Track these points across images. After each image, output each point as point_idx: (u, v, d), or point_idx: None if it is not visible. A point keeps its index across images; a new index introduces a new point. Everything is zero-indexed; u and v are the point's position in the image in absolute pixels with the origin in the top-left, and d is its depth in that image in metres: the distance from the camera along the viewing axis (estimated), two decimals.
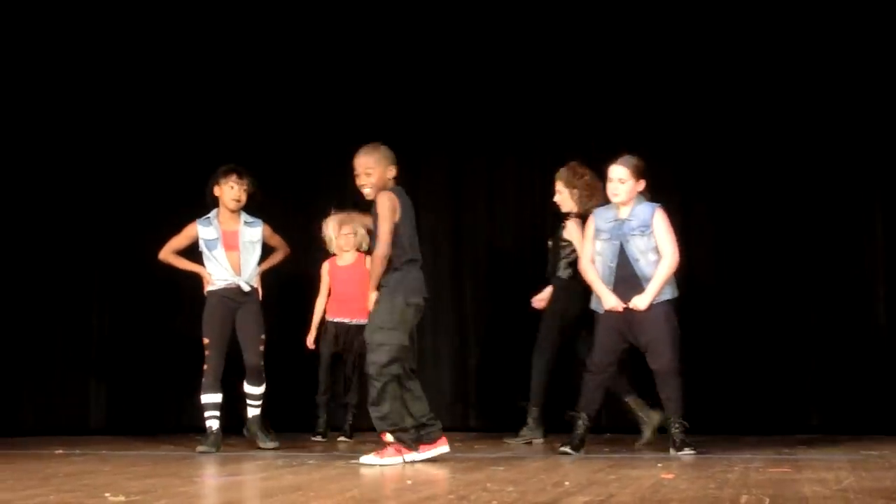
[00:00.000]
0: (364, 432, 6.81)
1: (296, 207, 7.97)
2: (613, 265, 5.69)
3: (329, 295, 7.05)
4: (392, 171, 5.20)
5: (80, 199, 7.80)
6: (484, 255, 7.88)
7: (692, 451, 5.50)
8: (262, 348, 6.23)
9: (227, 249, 6.19)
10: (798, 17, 7.27)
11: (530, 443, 6.42)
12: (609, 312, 5.66)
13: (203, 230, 6.22)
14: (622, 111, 7.53)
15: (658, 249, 5.62)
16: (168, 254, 6.33)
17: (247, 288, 6.21)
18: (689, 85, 7.47)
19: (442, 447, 5.15)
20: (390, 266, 5.09)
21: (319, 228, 7.01)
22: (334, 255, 7.04)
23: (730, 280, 7.28)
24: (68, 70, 7.76)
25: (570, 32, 7.73)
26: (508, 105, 7.83)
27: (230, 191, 6.18)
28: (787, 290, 7.21)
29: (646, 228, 5.63)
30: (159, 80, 8.07)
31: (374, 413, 5.05)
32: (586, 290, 5.86)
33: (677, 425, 5.60)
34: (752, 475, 4.42)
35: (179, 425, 7.65)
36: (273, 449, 6.09)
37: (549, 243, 6.60)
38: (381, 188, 5.15)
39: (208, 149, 7.67)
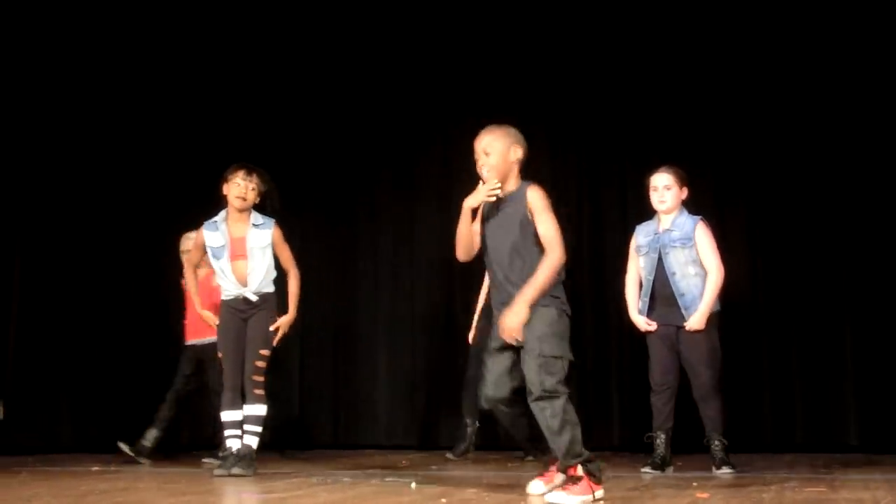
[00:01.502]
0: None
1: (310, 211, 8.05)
2: (651, 278, 5.69)
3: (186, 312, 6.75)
4: (518, 152, 4.46)
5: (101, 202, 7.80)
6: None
7: (731, 470, 5.47)
8: (257, 364, 5.72)
9: (234, 259, 5.75)
10: (834, 26, 7.20)
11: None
12: (655, 330, 5.66)
13: (209, 236, 5.80)
14: (652, 122, 7.48)
15: (698, 262, 5.61)
16: (190, 277, 6.05)
17: (254, 298, 5.74)
18: (719, 94, 7.41)
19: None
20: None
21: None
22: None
23: (766, 295, 7.20)
24: (77, 73, 7.75)
25: (593, 44, 7.72)
26: (514, 110, 7.83)
27: (235, 188, 5.74)
28: (825, 305, 7.12)
29: (687, 241, 5.64)
30: (166, 84, 8.11)
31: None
32: None
33: (717, 443, 5.57)
34: (788, 494, 4.39)
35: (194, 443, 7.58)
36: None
37: None
38: (506, 173, 4.45)
39: (215, 156, 7.56)
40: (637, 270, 5.81)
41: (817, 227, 7.19)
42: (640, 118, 7.55)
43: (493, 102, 7.56)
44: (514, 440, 5.04)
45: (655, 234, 5.73)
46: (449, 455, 6.61)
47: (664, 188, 5.70)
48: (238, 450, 5.61)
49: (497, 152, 4.41)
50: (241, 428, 5.66)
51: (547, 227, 4.32)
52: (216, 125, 8.14)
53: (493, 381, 4.41)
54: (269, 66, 8.26)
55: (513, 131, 4.49)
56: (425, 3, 7.97)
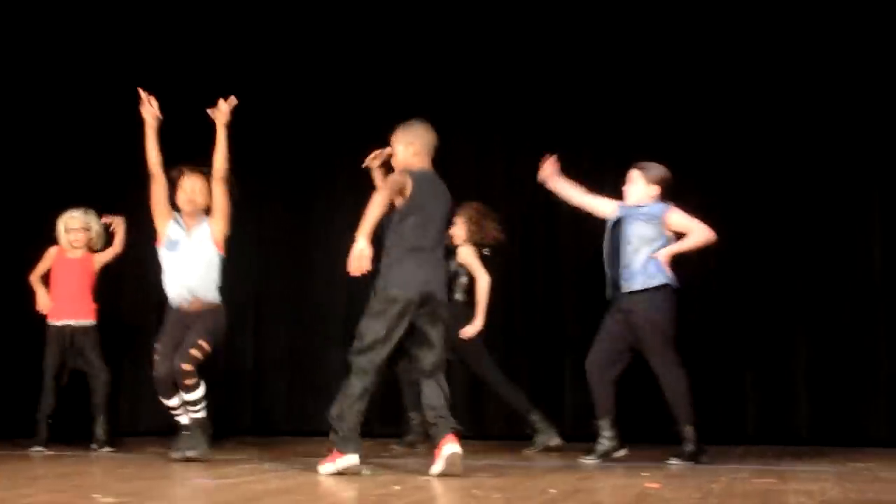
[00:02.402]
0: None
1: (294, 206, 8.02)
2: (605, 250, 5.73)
3: (50, 292, 6.62)
4: (413, 150, 5.02)
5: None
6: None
7: (679, 461, 5.51)
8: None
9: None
10: (814, 23, 7.28)
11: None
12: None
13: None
14: (628, 116, 7.50)
15: (656, 244, 5.61)
16: None
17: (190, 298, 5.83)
18: (698, 91, 7.45)
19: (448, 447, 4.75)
20: (383, 253, 4.90)
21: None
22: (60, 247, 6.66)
23: (719, 284, 7.26)
24: (72, 71, 7.71)
25: (582, 45, 7.73)
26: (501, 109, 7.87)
27: (181, 193, 5.78)
28: (778, 297, 7.21)
29: (653, 218, 5.65)
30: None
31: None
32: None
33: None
34: (738, 486, 4.44)
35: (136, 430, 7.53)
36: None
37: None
38: (402, 166, 5.00)
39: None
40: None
41: (772, 220, 7.27)
42: (606, 119, 7.59)
43: (449, 92, 7.62)
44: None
45: (621, 208, 5.76)
46: (395, 446, 6.61)
47: (630, 182, 5.77)
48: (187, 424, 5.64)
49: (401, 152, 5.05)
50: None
51: None
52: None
53: None
54: (230, 50, 8.19)
55: (415, 130, 5.05)
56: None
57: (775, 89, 7.32)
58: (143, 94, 5.74)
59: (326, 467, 4.79)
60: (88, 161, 7.68)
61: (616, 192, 6.04)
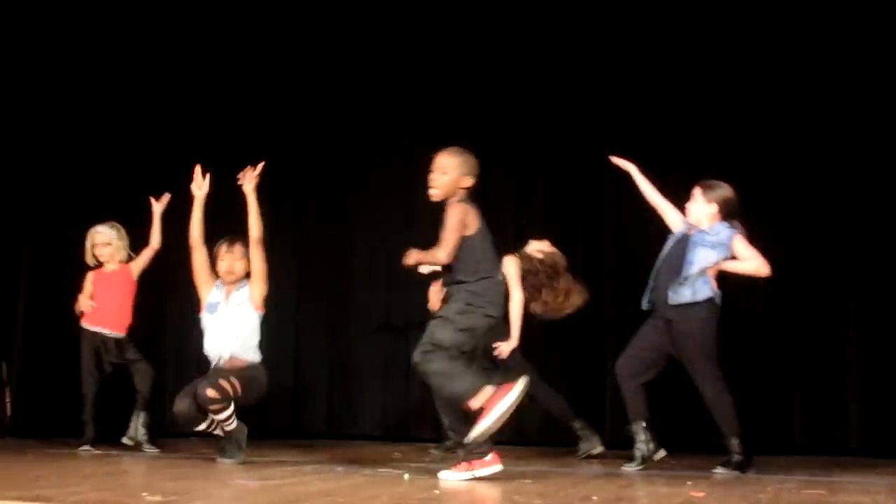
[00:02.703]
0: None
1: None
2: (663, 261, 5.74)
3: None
4: (467, 182, 4.98)
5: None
6: None
7: (725, 470, 5.47)
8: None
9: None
10: (827, 29, 7.24)
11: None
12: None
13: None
14: (682, 131, 7.49)
15: (710, 275, 5.62)
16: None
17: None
18: (721, 97, 7.43)
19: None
20: (459, 281, 4.93)
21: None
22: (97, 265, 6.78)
23: (766, 295, 7.17)
24: (71, 75, 7.78)
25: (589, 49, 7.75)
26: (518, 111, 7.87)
27: (221, 263, 5.87)
28: (827, 307, 7.14)
29: (718, 245, 5.64)
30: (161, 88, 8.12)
31: None
32: None
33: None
34: (785, 496, 4.38)
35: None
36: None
37: None
38: (450, 195, 4.97)
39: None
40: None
41: (821, 227, 7.20)
42: (641, 125, 7.56)
43: (490, 103, 7.64)
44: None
45: (687, 224, 5.77)
46: (433, 450, 6.61)
47: (692, 198, 5.78)
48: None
49: (450, 175, 4.95)
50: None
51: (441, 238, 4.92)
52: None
53: None
54: (261, 64, 8.28)
55: (472, 163, 4.98)
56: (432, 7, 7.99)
57: (830, 108, 7.25)
58: (197, 169, 5.84)
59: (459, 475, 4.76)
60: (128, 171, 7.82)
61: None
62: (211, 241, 5.88)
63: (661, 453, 5.70)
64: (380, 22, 8.08)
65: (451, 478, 4.73)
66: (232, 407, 5.59)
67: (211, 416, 5.58)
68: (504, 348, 6.39)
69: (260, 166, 5.76)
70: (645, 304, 5.79)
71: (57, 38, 7.69)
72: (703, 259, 5.62)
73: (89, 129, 7.87)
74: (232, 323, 5.76)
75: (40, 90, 7.66)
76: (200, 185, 5.84)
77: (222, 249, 5.82)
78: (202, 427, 5.67)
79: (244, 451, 5.66)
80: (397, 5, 8.03)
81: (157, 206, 6.71)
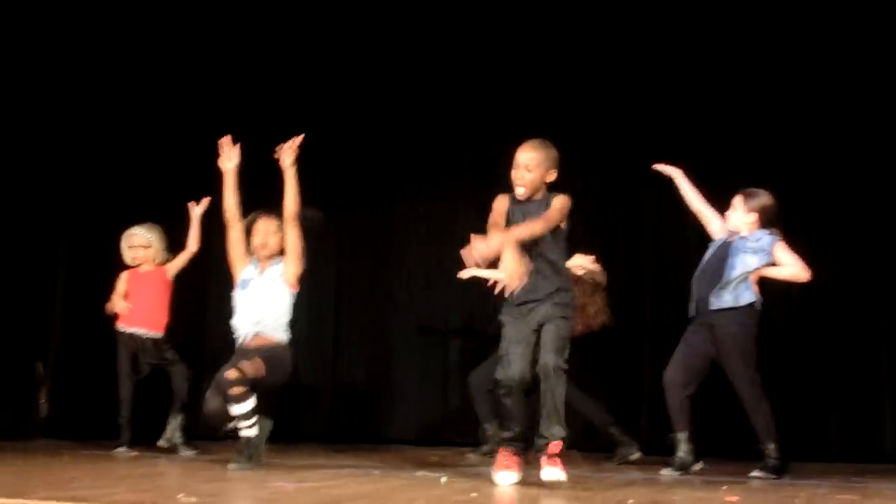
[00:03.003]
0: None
1: None
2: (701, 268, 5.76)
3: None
4: (553, 175, 4.88)
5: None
6: None
7: (761, 475, 5.46)
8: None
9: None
10: (837, 28, 7.25)
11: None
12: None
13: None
14: (725, 137, 7.49)
15: (751, 279, 5.64)
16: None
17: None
18: (752, 102, 7.44)
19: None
20: (560, 289, 4.82)
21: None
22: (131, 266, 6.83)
23: (800, 302, 7.16)
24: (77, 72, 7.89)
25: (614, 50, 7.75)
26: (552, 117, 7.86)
27: (254, 238, 5.73)
28: (860, 313, 7.12)
29: (760, 251, 5.67)
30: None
31: None
32: None
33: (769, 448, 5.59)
34: (819, 501, 4.38)
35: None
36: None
37: None
38: (537, 191, 4.86)
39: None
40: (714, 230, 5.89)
41: (855, 232, 7.18)
42: (681, 131, 7.56)
43: (527, 105, 7.65)
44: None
45: (728, 231, 5.81)
46: (470, 455, 6.63)
47: (731, 206, 5.81)
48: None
49: (538, 171, 4.82)
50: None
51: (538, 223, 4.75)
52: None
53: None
54: (299, 69, 8.33)
55: (555, 155, 4.86)
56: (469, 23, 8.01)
57: (868, 119, 7.25)
58: (225, 141, 5.68)
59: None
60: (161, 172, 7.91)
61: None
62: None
63: (699, 465, 5.71)
64: (419, 28, 8.11)
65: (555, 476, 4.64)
66: (251, 402, 5.38)
67: (230, 406, 5.33)
68: None
69: (299, 139, 5.60)
70: (692, 311, 5.81)
71: (96, 42, 7.84)
72: (744, 264, 5.65)
73: (129, 130, 7.99)
74: (264, 298, 5.60)
75: (80, 91, 7.80)
76: (230, 157, 5.68)
77: (257, 223, 5.70)
78: (228, 428, 5.50)
79: (261, 457, 5.47)
80: (452, 14, 8.06)
81: (197, 210, 6.74)
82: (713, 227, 5.94)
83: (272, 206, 5.70)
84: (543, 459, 4.69)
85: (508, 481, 4.71)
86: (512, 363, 4.78)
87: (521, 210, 4.85)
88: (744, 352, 5.61)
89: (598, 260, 6.74)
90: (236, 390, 5.34)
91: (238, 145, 5.70)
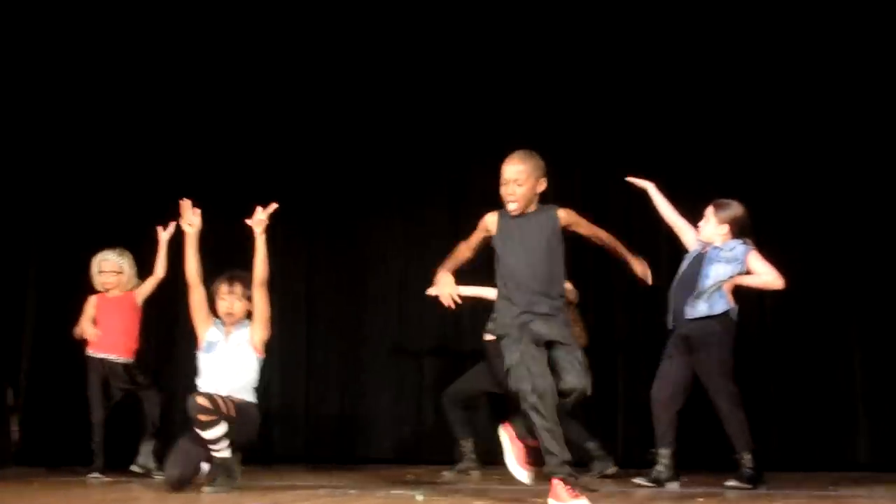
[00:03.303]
0: None
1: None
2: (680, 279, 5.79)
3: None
4: (543, 185, 4.74)
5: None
6: None
7: (736, 484, 5.47)
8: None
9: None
10: (828, 29, 7.25)
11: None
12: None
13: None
14: (702, 144, 7.48)
15: (725, 290, 5.67)
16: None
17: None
18: (720, 104, 7.43)
19: None
20: (555, 288, 4.70)
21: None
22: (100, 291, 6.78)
23: (773, 312, 7.17)
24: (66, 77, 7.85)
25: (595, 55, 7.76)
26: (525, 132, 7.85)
27: (222, 303, 5.60)
28: (832, 323, 7.13)
29: (733, 260, 5.70)
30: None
31: None
32: None
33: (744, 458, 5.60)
34: None
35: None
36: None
37: None
38: (529, 203, 4.71)
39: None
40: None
41: (827, 242, 7.20)
42: (652, 142, 7.55)
43: (500, 122, 7.65)
44: None
45: (701, 243, 5.85)
46: (446, 473, 6.60)
47: (704, 218, 5.84)
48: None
49: (527, 184, 4.67)
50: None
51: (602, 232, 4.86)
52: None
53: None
54: (271, 86, 8.28)
55: (542, 164, 4.72)
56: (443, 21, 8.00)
57: (837, 128, 7.26)
58: (185, 205, 5.56)
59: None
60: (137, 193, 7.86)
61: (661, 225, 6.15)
62: (213, 276, 5.63)
63: (676, 484, 5.69)
64: (390, 37, 8.07)
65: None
66: (224, 428, 5.25)
67: (203, 432, 5.22)
68: None
69: (271, 208, 5.51)
70: (670, 323, 5.84)
71: (66, 59, 7.77)
72: (718, 273, 5.68)
73: (98, 153, 7.93)
74: (231, 363, 5.48)
75: (50, 112, 7.75)
76: (192, 222, 5.56)
77: (222, 289, 5.55)
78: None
79: (236, 480, 5.35)
80: (407, 19, 8.03)
81: (164, 235, 6.61)
82: (687, 238, 5.97)
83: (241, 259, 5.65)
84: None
85: None
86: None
87: (517, 225, 4.70)
88: (720, 361, 5.63)
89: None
90: (204, 418, 5.21)
91: (198, 210, 5.56)
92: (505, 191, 4.69)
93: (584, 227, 4.79)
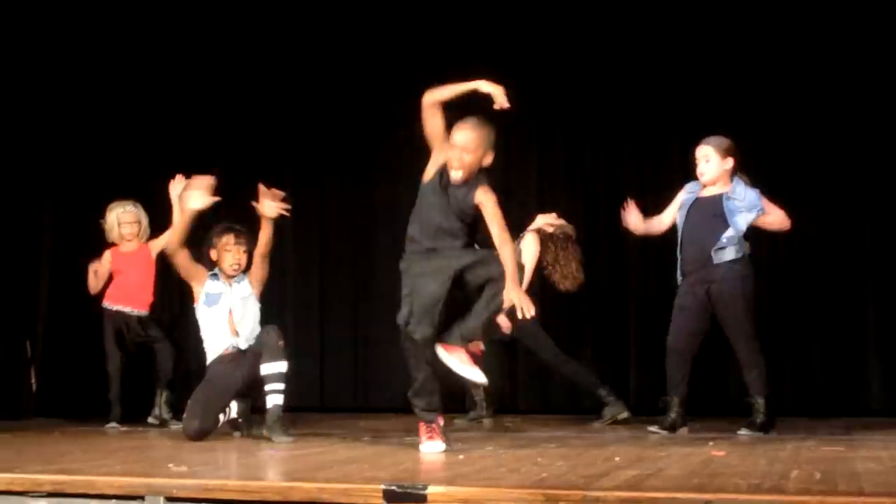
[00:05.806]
0: None
1: None
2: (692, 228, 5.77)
3: (110, 282, 6.80)
4: (489, 158, 4.54)
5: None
6: None
7: (748, 431, 5.51)
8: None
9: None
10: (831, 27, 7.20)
11: None
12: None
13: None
14: (694, 101, 7.42)
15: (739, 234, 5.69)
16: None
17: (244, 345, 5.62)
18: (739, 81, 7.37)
19: None
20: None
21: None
22: (115, 244, 6.84)
23: (787, 259, 7.19)
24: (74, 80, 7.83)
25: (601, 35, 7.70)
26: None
27: (228, 255, 5.61)
28: (847, 270, 7.13)
29: (753, 207, 5.69)
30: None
31: None
32: None
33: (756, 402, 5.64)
34: (805, 453, 4.42)
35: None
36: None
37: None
38: (473, 174, 4.52)
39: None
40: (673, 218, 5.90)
41: (839, 187, 7.17)
42: (653, 102, 7.54)
43: (510, 70, 7.55)
44: None
45: (691, 192, 5.82)
46: (458, 420, 6.64)
47: (704, 159, 5.75)
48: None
49: (475, 155, 4.48)
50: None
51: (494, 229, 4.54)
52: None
53: None
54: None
55: (493, 136, 4.51)
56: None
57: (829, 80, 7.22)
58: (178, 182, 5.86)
59: None
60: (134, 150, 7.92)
61: (678, 175, 6.11)
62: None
63: (684, 430, 5.71)
64: (397, 22, 8.01)
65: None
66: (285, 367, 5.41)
67: (283, 362, 5.36)
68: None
69: (281, 194, 5.48)
70: (680, 276, 5.81)
71: (69, 34, 7.74)
72: (744, 220, 5.69)
73: (112, 105, 7.94)
74: (244, 313, 5.58)
75: (65, 81, 7.71)
76: (204, 200, 5.45)
77: (230, 241, 5.57)
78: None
79: (289, 429, 5.40)
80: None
81: (175, 189, 6.64)
82: (665, 220, 5.94)
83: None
84: None
85: None
86: None
87: (451, 194, 4.55)
88: (746, 305, 5.66)
89: (579, 214, 6.76)
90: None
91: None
92: (451, 156, 4.49)
93: (486, 216, 4.55)
